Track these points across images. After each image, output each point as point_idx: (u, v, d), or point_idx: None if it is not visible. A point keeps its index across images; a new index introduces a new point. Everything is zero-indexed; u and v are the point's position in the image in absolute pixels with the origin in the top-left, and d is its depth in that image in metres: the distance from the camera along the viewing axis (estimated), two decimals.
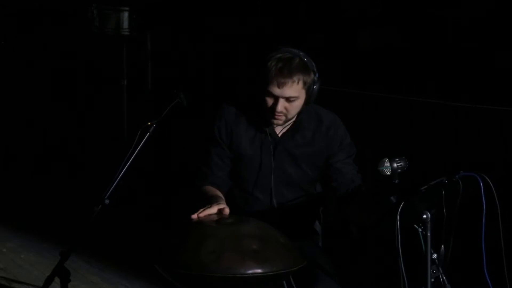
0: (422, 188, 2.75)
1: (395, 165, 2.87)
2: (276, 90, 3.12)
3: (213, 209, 2.94)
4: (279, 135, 3.29)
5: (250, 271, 2.64)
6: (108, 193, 3.18)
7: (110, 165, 3.45)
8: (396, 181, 2.88)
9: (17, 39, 7.63)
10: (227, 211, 2.94)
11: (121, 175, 3.20)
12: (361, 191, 3.21)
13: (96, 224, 3.20)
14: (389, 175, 2.88)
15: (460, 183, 2.77)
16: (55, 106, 7.42)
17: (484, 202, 2.77)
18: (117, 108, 6.55)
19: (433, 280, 2.82)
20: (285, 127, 3.29)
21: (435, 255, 2.83)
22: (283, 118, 3.20)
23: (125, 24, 6.23)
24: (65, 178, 6.96)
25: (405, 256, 2.70)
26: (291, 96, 3.14)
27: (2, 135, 7.61)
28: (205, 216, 2.91)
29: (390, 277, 2.87)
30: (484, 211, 2.78)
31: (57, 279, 3.20)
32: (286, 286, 2.90)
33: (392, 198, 2.80)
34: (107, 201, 3.18)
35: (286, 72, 3.11)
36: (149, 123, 3.23)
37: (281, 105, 3.15)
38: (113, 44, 6.48)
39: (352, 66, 5.02)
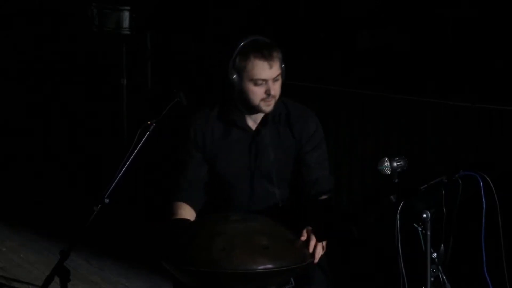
0: (422, 188, 2.75)
1: (394, 164, 2.87)
2: (266, 73, 3.08)
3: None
4: (253, 129, 3.24)
5: (262, 267, 2.67)
6: (108, 193, 3.17)
7: (110, 165, 3.45)
8: (396, 181, 2.88)
9: (17, 39, 7.63)
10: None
11: (121, 175, 3.19)
12: (325, 204, 3.17)
13: (96, 223, 3.20)
14: (388, 174, 2.87)
15: (460, 182, 2.77)
16: (54, 106, 7.42)
17: (484, 201, 2.77)
18: (117, 107, 6.54)
19: (433, 279, 2.82)
20: (257, 121, 3.23)
21: (435, 255, 2.83)
22: (273, 101, 3.15)
23: (125, 23, 6.22)
24: (65, 178, 6.96)
25: (405, 256, 2.70)
26: (277, 75, 3.11)
27: (2, 134, 7.61)
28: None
29: (389, 276, 2.87)
30: (484, 210, 2.78)
31: (56, 278, 3.19)
32: (292, 282, 2.90)
33: (391, 197, 2.80)
34: (106, 201, 3.17)
35: (266, 52, 3.08)
36: (148, 123, 3.23)
37: (272, 87, 3.11)
38: (113, 43, 6.47)
39: (352, 66, 5.02)
